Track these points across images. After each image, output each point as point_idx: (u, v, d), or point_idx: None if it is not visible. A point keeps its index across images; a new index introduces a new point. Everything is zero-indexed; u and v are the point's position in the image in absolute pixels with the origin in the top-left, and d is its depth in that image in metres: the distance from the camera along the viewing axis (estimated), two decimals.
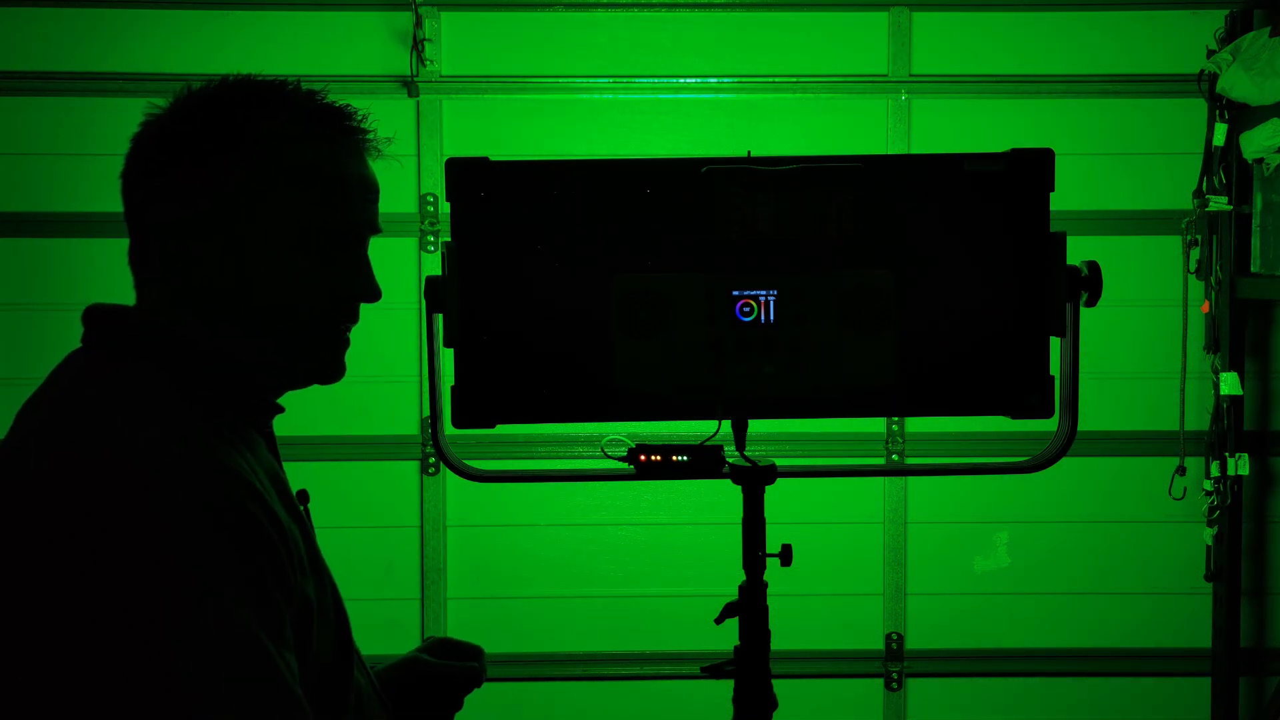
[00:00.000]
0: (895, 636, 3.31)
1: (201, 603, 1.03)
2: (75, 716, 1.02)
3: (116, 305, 1.22)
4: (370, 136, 1.27)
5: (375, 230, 1.29)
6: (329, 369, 1.30)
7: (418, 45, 3.12)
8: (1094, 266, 1.67)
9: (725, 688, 1.71)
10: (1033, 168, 1.67)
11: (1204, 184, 3.12)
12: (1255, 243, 3.06)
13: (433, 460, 3.19)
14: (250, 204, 1.19)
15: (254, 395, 1.25)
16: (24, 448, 1.12)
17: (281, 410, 1.29)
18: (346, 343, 1.30)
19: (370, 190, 1.28)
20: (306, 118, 1.23)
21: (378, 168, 1.31)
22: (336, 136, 1.24)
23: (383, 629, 3.14)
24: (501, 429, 1.72)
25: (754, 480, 1.70)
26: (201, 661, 1.02)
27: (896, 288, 1.65)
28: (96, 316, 1.21)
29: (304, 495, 1.30)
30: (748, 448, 1.72)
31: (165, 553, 1.03)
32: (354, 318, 1.29)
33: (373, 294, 1.29)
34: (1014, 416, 1.71)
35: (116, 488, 1.04)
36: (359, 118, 1.27)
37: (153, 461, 1.06)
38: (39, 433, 1.12)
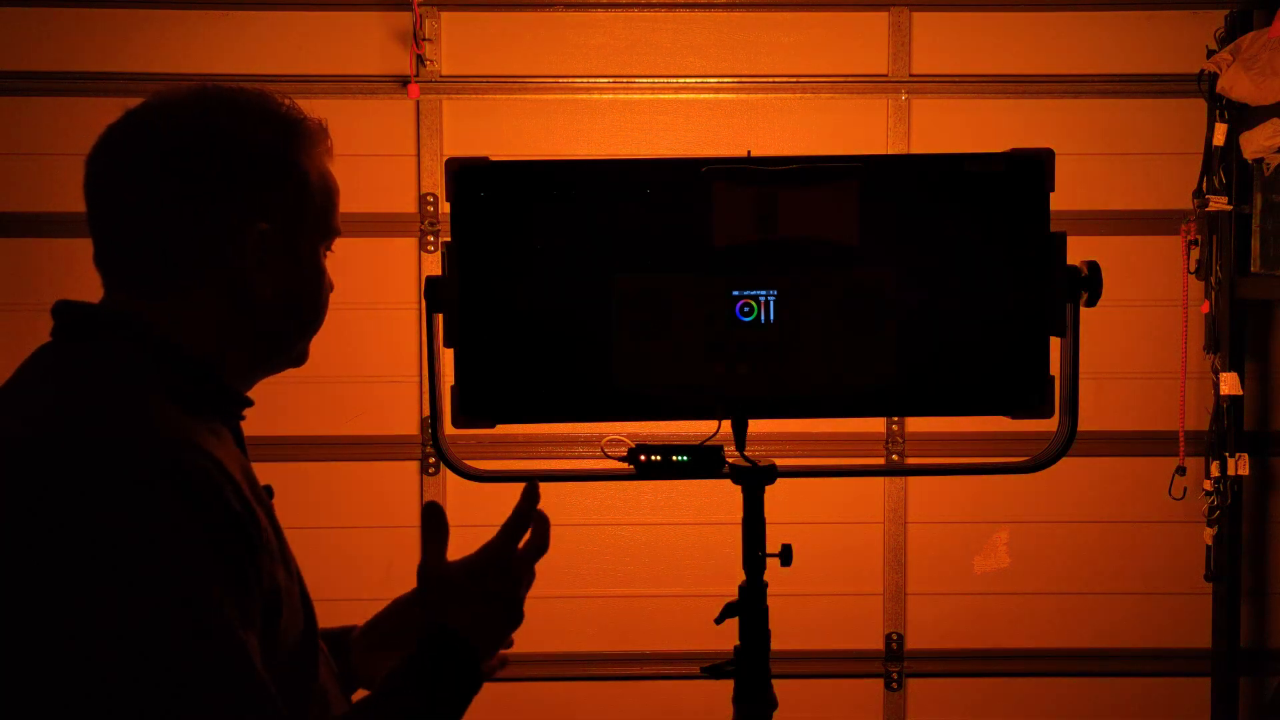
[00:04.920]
0: (895, 636, 3.31)
1: (178, 588, 1.05)
2: (50, 708, 1.04)
3: (85, 302, 1.26)
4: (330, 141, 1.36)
5: None
6: (305, 355, 1.38)
7: (417, 45, 3.12)
8: (1094, 266, 1.67)
9: (725, 688, 1.71)
10: (1033, 168, 1.67)
11: (1204, 184, 3.12)
12: (1255, 243, 3.06)
13: (433, 460, 3.19)
14: (304, 221, 1.28)
15: (227, 390, 1.28)
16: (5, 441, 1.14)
17: (251, 403, 1.32)
18: None
19: None
20: (316, 138, 1.30)
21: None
22: (321, 145, 1.31)
23: None
24: (501, 429, 1.72)
25: (754, 480, 1.70)
26: (179, 651, 1.04)
27: (896, 288, 1.65)
28: (64, 310, 1.25)
29: (269, 490, 1.33)
30: (748, 448, 1.72)
31: (142, 540, 1.05)
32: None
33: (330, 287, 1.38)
34: (1014, 416, 1.71)
35: (89, 474, 1.07)
36: (323, 123, 1.34)
37: (126, 445, 1.10)
38: (24, 423, 1.14)
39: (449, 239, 1.67)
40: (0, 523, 1.06)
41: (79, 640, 1.03)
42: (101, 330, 1.23)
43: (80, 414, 1.12)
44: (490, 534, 1.39)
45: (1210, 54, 3.10)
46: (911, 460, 3.27)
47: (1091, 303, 1.68)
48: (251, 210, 1.25)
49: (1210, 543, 3.19)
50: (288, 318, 1.30)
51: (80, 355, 1.21)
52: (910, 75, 3.21)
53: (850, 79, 3.22)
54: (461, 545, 1.37)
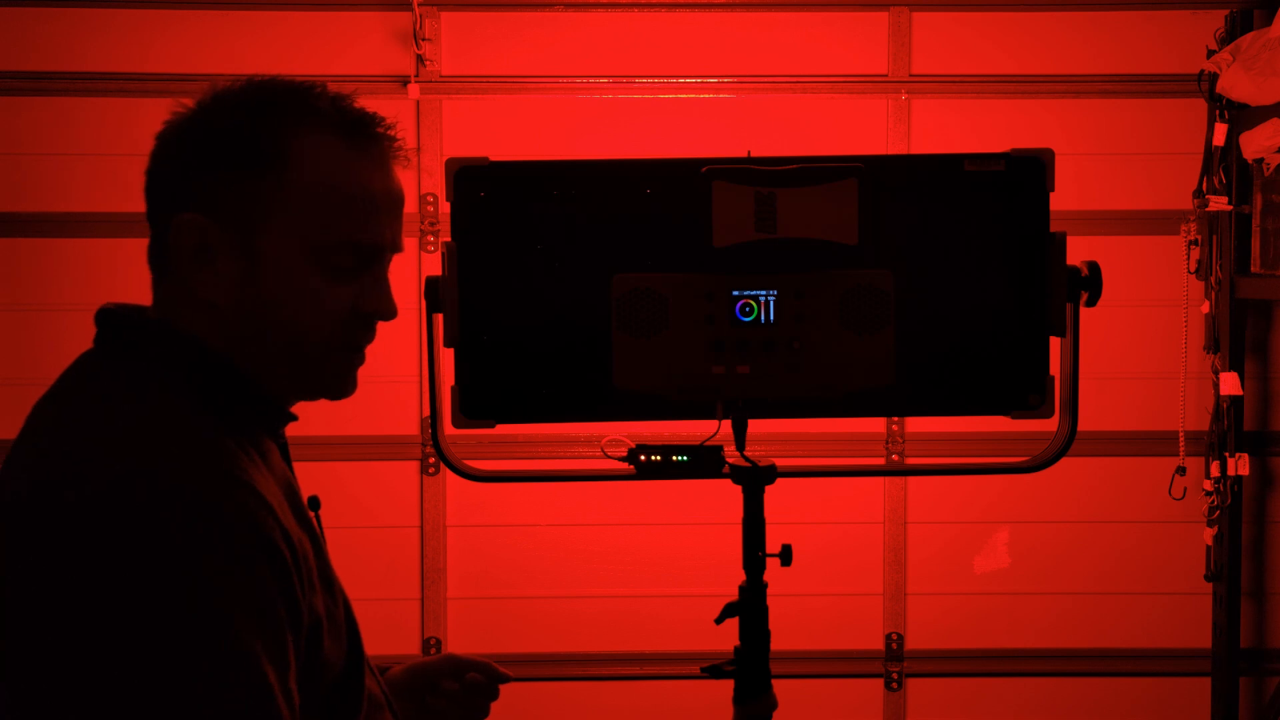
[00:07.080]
0: (895, 636, 3.31)
1: (206, 626, 1.02)
2: None
3: (130, 306, 1.20)
4: (397, 144, 1.24)
5: (397, 249, 1.26)
6: (339, 386, 1.26)
7: (417, 45, 3.12)
8: (1094, 267, 1.67)
9: (725, 688, 1.71)
10: (1032, 168, 1.67)
11: (1204, 184, 3.12)
12: (1255, 243, 3.07)
13: (433, 460, 3.19)
14: (275, 218, 1.16)
15: (266, 401, 1.22)
16: (35, 455, 1.11)
17: (295, 418, 1.26)
18: (361, 359, 1.26)
19: (394, 205, 1.24)
20: (337, 129, 1.19)
21: None
22: (366, 147, 1.21)
23: (383, 629, 3.14)
24: (501, 429, 1.72)
25: (754, 480, 1.70)
26: (200, 686, 1.01)
27: (896, 288, 1.65)
28: (109, 318, 1.19)
29: (315, 502, 1.28)
30: (748, 448, 1.72)
31: (175, 572, 1.02)
32: (371, 336, 1.25)
33: (388, 313, 1.25)
34: (1014, 416, 1.71)
35: (129, 504, 1.03)
36: (386, 124, 1.22)
37: (167, 476, 1.05)
38: (51, 441, 1.11)
39: (449, 239, 1.67)
40: (44, 564, 1.03)
41: (100, 664, 1.00)
42: (154, 346, 1.16)
43: (123, 450, 1.06)
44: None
45: (1210, 54, 3.09)
46: (911, 460, 3.27)
47: (1091, 303, 1.68)
48: (180, 198, 1.16)
49: (1210, 542, 3.19)
50: (261, 334, 1.18)
51: (120, 372, 1.15)
52: (910, 75, 3.21)
53: (850, 79, 3.22)
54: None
